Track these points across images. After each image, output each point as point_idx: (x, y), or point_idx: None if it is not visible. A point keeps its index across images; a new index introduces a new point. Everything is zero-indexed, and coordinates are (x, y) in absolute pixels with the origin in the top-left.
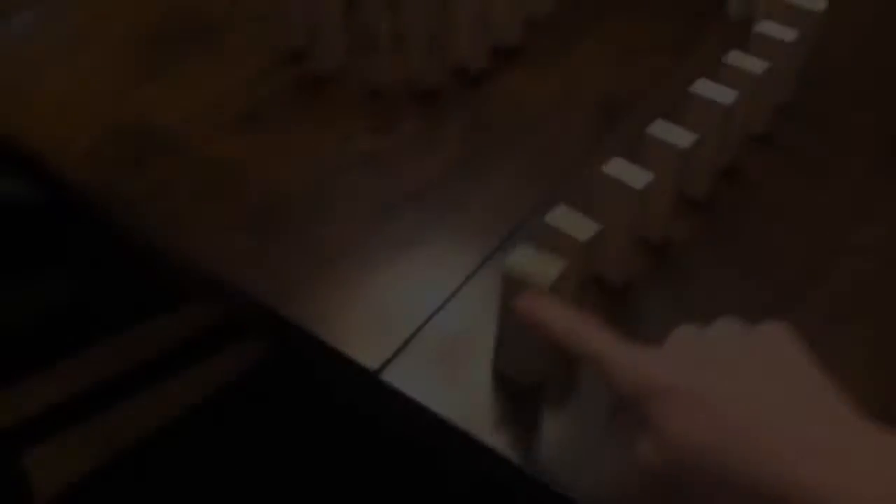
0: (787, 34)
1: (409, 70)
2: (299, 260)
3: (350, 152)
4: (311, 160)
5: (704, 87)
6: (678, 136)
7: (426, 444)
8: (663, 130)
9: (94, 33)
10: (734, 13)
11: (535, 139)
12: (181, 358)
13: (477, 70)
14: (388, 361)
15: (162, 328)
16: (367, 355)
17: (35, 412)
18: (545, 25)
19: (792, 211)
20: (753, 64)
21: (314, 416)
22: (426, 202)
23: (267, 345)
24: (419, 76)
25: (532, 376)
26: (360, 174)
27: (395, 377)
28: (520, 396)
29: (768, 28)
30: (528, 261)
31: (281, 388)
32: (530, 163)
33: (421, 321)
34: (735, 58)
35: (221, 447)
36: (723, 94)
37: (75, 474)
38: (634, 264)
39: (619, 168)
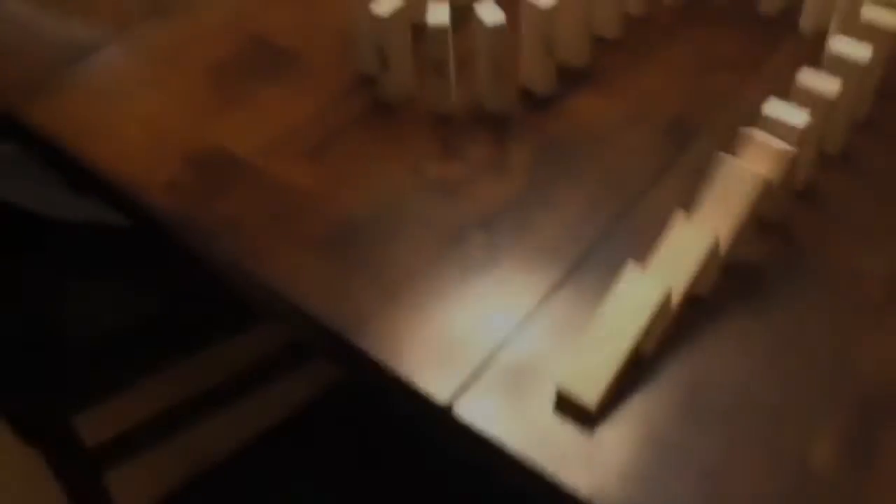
0: (863, 53)
1: (477, 95)
2: (369, 287)
3: (420, 178)
4: (382, 187)
5: (776, 109)
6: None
7: (496, 475)
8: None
9: (173, 66)
10: (807, 28)
11: (604, 162)
12: (259, 378)
13: (544, 93)
14: (459, 392)
15: (239, 348)
16: (437, 385)
17: (116, 432)
18: (612, 46)
19: (873, 231)
20: (826, 84)
21: (389, 438)
22: (496, 227)
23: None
24: (486, 101)
25: (600, 388)
26: (429, 200)
27: (466, 408)
28: (590, 426)
29: (843, 47)
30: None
31: (358, 410)
32: (599, 186)
33: (492, 349)
34: (808, 77)
35: (301, 467)
36: (795, 116)
37: (157, 494)
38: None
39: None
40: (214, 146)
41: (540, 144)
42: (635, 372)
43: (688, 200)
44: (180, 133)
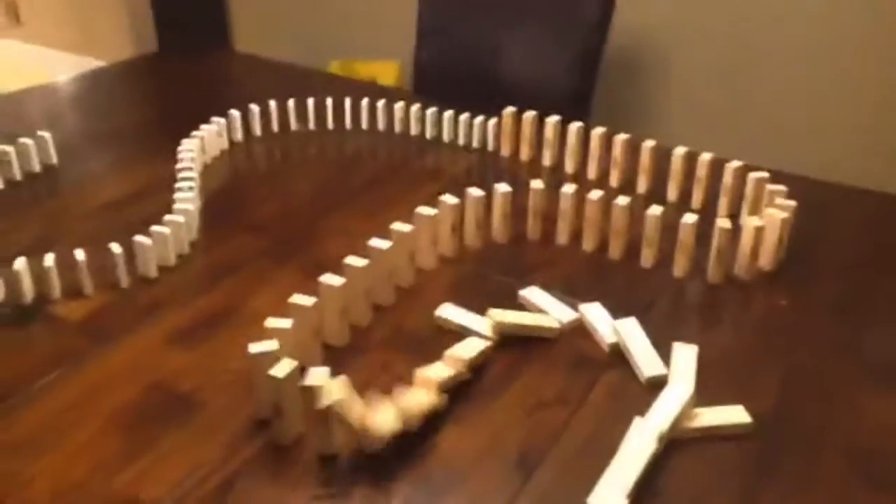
0: None
1: (357, 436)
2: None
3: None
4: None
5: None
6: None
7: None
8: None
9: (80, 417)
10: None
11: (467, 489)
12: None
13: (413, 431)
14: None
15: None
16: None
17: None
18: (470, 386)
19: None
20: None
21: None
22: None
23: None
24: (364, 442)
25: None
26: None
27: None
28: None
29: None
30: None
31: None
32: None
33: None
34: None
35: None
36: None
37: None
38: None
39: None
40: (123, 495)
41: (412, 476)
42: None
43: None
44: (89, 484)
